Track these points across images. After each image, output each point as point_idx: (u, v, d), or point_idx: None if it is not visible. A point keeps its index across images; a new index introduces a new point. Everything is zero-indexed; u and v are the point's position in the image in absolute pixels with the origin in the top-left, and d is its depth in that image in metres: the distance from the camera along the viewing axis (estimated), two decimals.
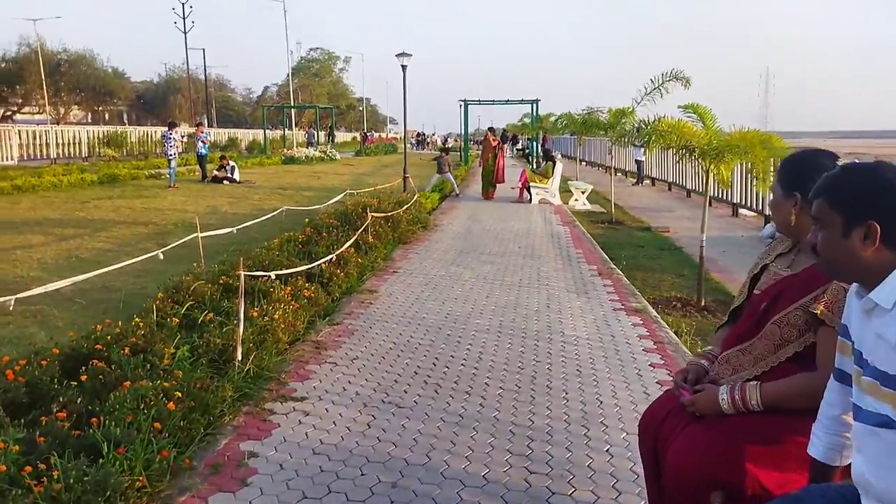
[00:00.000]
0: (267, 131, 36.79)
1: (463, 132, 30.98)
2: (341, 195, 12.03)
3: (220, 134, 38.59)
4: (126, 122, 57.58)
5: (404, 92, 13.73)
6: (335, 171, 25.48)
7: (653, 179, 20.89)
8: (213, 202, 14.37)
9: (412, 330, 5.18)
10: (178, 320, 4.39)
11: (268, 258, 6.40)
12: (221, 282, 5.58)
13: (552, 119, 30.09)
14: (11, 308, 3.99)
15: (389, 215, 9.23)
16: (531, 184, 15.29)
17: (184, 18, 51.33)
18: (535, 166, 25.92)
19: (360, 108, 77.43)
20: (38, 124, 32.91)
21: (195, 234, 6.57)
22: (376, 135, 65.42)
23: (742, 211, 13.48)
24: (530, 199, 15.26)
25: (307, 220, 9.27)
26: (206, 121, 56.79)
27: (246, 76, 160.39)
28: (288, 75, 56.81)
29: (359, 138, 50.60)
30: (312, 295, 5.49)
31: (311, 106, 43.92)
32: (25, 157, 23.16)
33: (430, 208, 13.16)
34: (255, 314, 4.44)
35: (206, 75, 58.06)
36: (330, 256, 6.17)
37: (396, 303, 6.02)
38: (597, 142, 30.45)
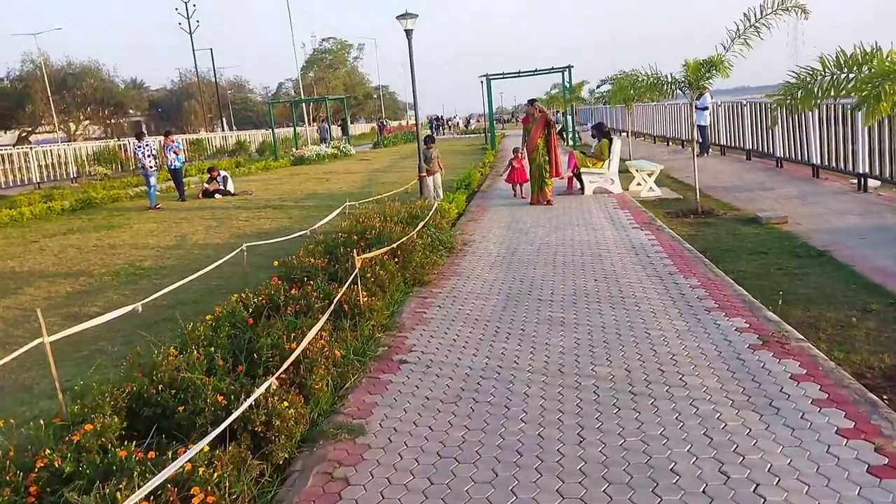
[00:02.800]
0: (276, 131, 33.94)
1: (487, 111, 27.61)
2: (340, 209, 9.04)
3: (229, 137, 35.85)
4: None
5: (411, 64, 10.53)
6: (347, 170, 22.49)
7: (722, 148, 17.34)
8: (188, 228, 11.53)
9: None
10: None
11: (168, 371, 3.48)
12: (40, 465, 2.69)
13: (588, 87, 26.63)
14: None
15: (394, 247, 6.16)
16: (582, 169, 12.04)
17: (188, 18, 48.96)
18: (570, 143, 22.60)
19: (377, 97, 74.21)
20: (52, 143, 30.55)
21: (70, 330, 3.64)
22: (394, 123, 62.28)
23: (871, 182, 10.01)
24: (582, 188, 12.04)
25: (276, 261, 6.34)
26: (223, 123, 54.45)
27: (264, 75, 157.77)
28: (298, 69, 54.19)
29: (376, 129, 47.54)
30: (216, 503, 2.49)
31: (321, 98, 40.80)
32: (4, 185, 20.73)
33: (454, 216, 10.04)
34: None
35: (215, 75, 55.80)
36: (268, 382, 3.14)
37: (400, 478, 2.95)
38: (638, 109, 26.80)
